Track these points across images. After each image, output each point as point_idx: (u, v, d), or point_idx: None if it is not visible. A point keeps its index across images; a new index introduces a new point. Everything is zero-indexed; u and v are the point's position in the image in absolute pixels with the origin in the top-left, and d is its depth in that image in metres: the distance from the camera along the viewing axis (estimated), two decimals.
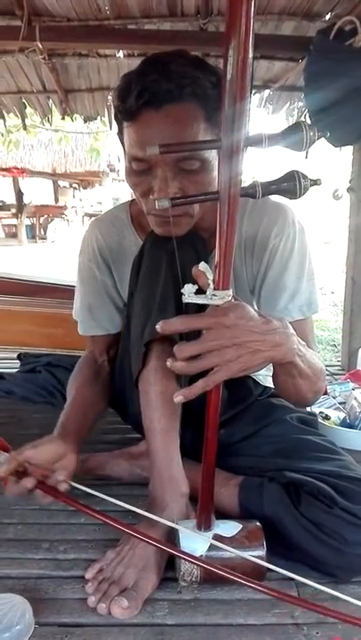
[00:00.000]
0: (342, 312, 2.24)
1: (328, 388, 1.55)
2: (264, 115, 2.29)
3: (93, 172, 11.06)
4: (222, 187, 0.59)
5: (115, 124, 0.96)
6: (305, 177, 0.63)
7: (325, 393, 1.53)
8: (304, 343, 0.81)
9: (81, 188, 13.69)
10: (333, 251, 6.44)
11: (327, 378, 1.86)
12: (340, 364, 2.25)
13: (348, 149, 1.98)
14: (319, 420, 1.30)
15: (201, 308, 0.67)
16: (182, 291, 0.65)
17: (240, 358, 0.67)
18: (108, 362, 1.19)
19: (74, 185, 13.59)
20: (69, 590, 0.81)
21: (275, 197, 0.65)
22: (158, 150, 0.58)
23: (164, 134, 0.82)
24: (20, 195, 11.28)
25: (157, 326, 0.65)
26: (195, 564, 0.76)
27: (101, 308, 1.16)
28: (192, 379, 0.68)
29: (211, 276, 0.65)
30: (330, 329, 3.67)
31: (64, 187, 13.47)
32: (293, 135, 0.61)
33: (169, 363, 0.67)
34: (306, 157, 2.10)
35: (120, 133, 0.93)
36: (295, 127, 0.61)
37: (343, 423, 1.38)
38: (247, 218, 1.00)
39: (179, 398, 0.67)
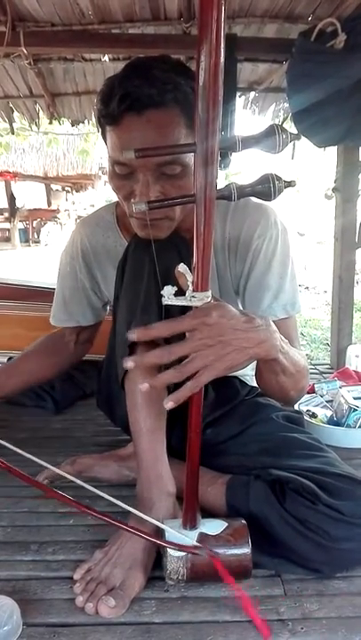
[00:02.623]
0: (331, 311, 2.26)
1: (316, 386, 1.56)
2: (250, 116, 2.30)
3: (85, 174, 11.07)
4: (198, 189, 0.60)
5: None
6: (279, 179, 0.64)
7: (313, 391, 1.54)
8: (287, 341, 0.82)
9: (73, 191, 13.67)
10: (326, 250, 6.47)
11: (316, 376, 1.88)
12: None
13: (333, 149, 1.99)
14: (306, 418, 1.31)
15: (184, 310, 0.68)
16: (162, 292, 0.66)
17: (226, 357, 0.68)
18: (75, 342, 1.28)
19: (66, 188, 13.57)
20: (57, 591, 0.82)
21: (256, 199, 0.66)
22: (134, 154, 0.59)
23: (145, 139, 0.83)
24: (12, 199, 11.25)
25: (133, 335, 0.66)
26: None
27: (75, 304, 1.23)
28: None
29: (190, 278, 0.66)
30: (323, 328, 3.68)
31: (56, 190, 13.45)
32: (267, 138, 0.62)
33: (144, 386, 0.67)
34: (292, 158, 2.12)
35: (103, 136, 0.94)
36: (268, 130, 0.62)
37: (330, 421, 1.39)
38: (230, 219, 1.01)
39: (169, 404, 0.67)
